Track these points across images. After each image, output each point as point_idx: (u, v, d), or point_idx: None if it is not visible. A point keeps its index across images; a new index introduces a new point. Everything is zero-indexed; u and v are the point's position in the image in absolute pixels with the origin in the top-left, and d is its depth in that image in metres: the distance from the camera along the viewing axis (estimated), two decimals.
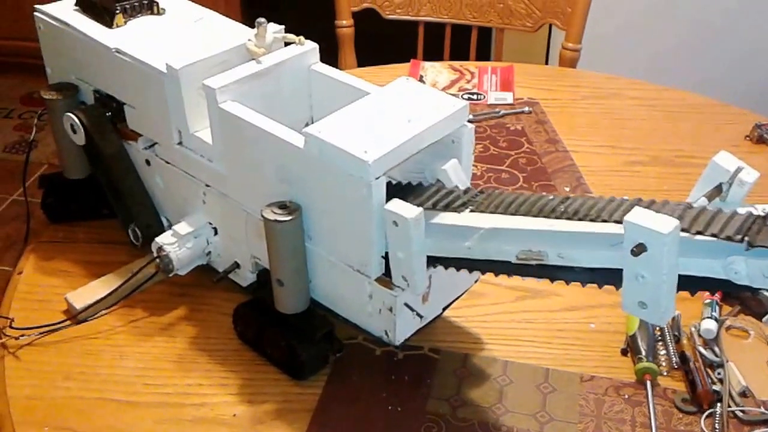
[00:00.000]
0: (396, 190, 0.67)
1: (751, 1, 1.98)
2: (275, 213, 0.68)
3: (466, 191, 0.65)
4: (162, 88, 0.76)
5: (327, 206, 0.67)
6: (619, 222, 0.53)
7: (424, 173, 0.70)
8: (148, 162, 0.84)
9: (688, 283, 0.54)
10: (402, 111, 0.68)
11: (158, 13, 0.87)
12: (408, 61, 1.31)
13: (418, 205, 0.64)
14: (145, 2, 0.86)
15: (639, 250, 0.50)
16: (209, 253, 0.81)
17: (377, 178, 0.63)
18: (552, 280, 0.60)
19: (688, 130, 1.13)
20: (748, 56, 2.05)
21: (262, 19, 0.77)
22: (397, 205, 0.63)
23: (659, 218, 0.51)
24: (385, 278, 0.68)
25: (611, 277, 0.56)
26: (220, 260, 0.82)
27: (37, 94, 2.67)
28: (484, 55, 1.56)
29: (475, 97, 1.18)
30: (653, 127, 1.14)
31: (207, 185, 0.78)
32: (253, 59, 0.77)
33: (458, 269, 0.65)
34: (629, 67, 1.72)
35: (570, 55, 1.44)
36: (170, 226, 0.85)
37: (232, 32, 0.83)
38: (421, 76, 1.23)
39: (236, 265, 0.80)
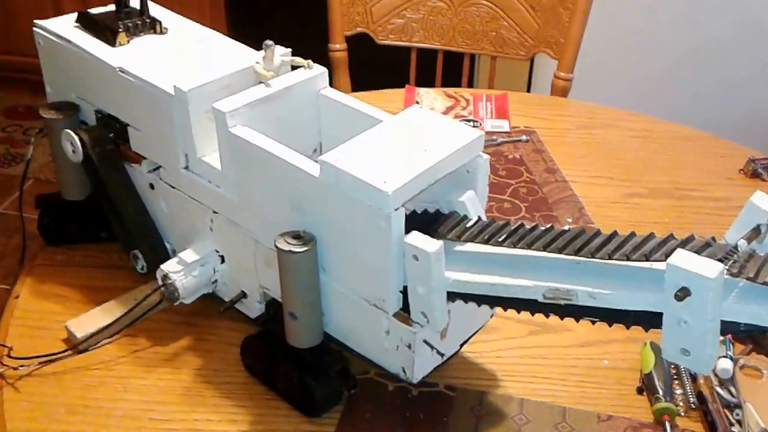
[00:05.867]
0: (415, 220, 0.65)
1: (741, 31, 1.99)
2: (289, 243, 0.66)
3: (489, 224, 0.63)
4: (169, 110, 0.74)
5: (342, 237, 0.65)
6: (660, 262, 0.52)
7: (438, 204, 0.68)
8: (152, 186, 0.81)
9: (731, 329, 0.52)
10: (418, 140, 0.66)
11: (161, 33, 0.84)
12: (399, 86, 1.29)
13: (440, 237, 0.62)
14: (148, 21, 0.84)
15: (683, 294, 0.49)
16: (215, 281, 0.79)
17: (396, 210, 0.61)
18: (578, 320, 0.58)
19: (683, 162, 1.13)
20: (738, 87, 2.06)
21: (270, 42, 0.75)
22: (418, 239, 0.61)
23: (704, 261, 0.49)
24: (403, 314, 0.65)
25: (647, 320, 0.54)
26: (226, 289, 0.79)
27: (22, 108, 2.63)
28: (468, 81, 1.56)
29: (471, 124, 1.17)
30: (648, 158, 1.13)
31: (215, 212, 0.76)
32: (261, 82, 0.75)
33: (480, 305, 0.63)
34: (615, 96, 1.73)
35: (562, 85, 1.44)
36: (174, 253, 0.82)
37: (236, 54, 0.81)
38: (417, 102, 1.21)
39: (243, 295, 0.78)
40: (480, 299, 0.62)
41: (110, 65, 0.77)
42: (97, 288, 0.83)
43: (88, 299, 0.82)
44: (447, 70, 1.56)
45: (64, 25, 0.84)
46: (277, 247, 0.66)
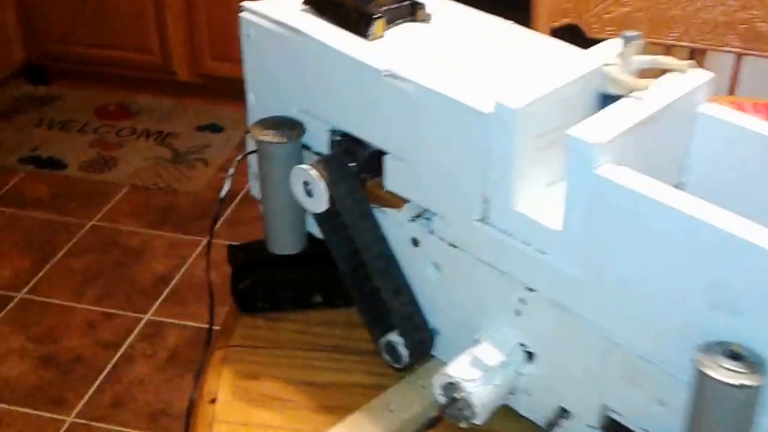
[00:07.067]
0: None
1: None
2: (728, 370, 0.40)
3: None
4: (475, 136, 0.48)
5: None
6: None
7: None
8: (415, 242, 0.55)
9: None
10: None
11: (423, 20, 0.59)
12: None
13: None
14: (406, 3, 0.58)
15: None
16: (515, 388, 0.53)
17: None
18: None
19: None
20: None
21: (634, 33, 0.49)
22: None
23: None
24: None
25: None
26: (528, 400, 0.53)
27: (114, 107, 2.42)
28: None
29: None
30: None
31: (530, 289, 0.50)
32: (615, 97, 0.49)
33: None
34: None
35: None
36: (437, 336, 0.57)
37: (543, 50, 0.56)
38: None
39: (562, 413, 0.52)
40: None
41: (370, 66, 0.52)
42: (325, 385, 0.58)
43: (316, 403, 0.57)
44: None
45: (287, 8, 0.59)
46: (703, 373, 0.40)
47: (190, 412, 0.57)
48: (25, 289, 1.74)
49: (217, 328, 0.64)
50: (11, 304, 1.70)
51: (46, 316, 1.68)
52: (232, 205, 1.97)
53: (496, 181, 0.49)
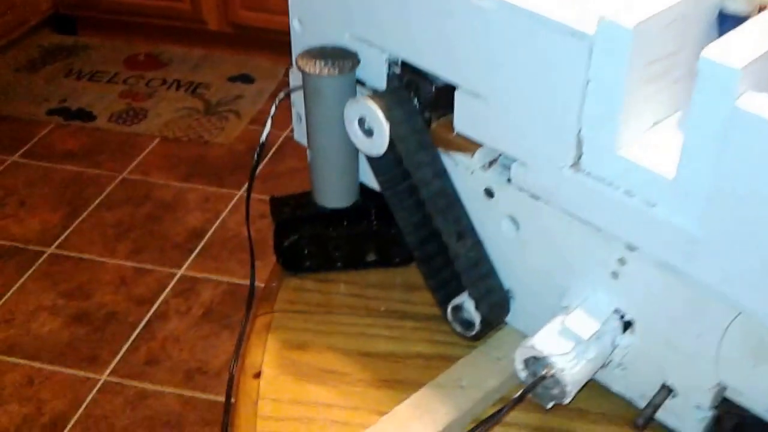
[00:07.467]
0: None
1: None
2: None
3: None
4: (573, 62, 0.40)
5: None
6: None
7: None
8: (489, 192, 0.48)
9: None
10: None
11: None
12: None
13: None
14: None
15: None
16: (610, 361, 0.46)
17: None
18: None
19: None
20: None
21: None
22: None
23: None
24: None
25: None
26: (622, 374, 0.46)
27: (143, 57, 2.35)
28: None
29: None
30: None
31: (631, 247, 0.42)
32: (741, 15, 0.40)
33: None
34: None
35: None
36: (511, 301, 0.49)
37: None
38: None
39: (667, 393, 0.44)
40: None
41: None
42: (382, 356, 0.51)
43: (374, 376, 0.50)
44: None
45: None
46: None
47: (230, 388, 0.51)
48: (55, 244, 1.70)
49: (261, 284, 0.57)
50: (41, 260, 1.66)
51: (77, 272, 1.63)
52: (265, 159, 1.90)
53: (597, 119, 0.40)
